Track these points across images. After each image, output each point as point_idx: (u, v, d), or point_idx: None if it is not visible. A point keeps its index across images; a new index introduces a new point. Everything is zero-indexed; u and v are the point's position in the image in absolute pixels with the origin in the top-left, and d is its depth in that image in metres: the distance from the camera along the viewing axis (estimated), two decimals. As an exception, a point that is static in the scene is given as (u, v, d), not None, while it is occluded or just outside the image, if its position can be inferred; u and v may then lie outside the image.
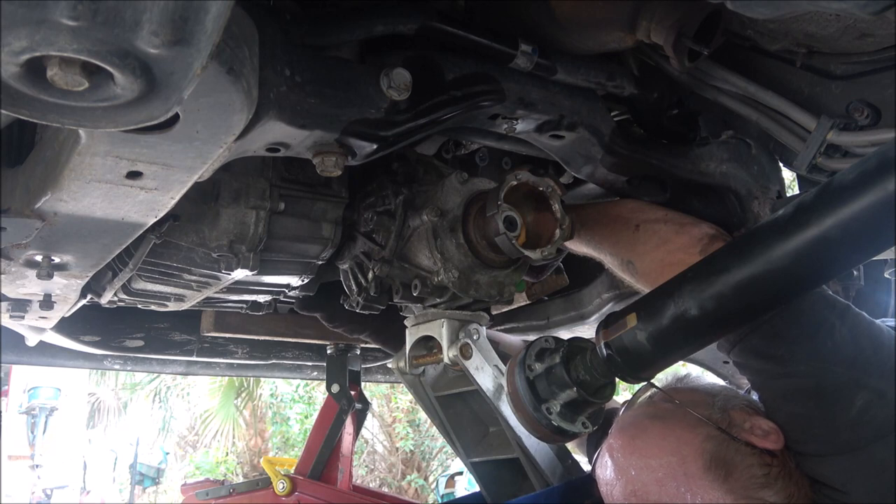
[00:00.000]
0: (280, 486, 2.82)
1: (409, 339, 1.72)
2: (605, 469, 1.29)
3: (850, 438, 1.10)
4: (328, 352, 2.83)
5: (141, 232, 1.27)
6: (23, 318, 1.86)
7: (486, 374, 1.59)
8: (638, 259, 1.46)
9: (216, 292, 1.84)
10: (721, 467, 1.17)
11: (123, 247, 1.36)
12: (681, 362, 1.57)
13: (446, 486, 11.20)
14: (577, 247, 1.63)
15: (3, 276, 1.46)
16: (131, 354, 2.69)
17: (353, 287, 1.72)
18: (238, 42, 0.89)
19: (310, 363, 3.09)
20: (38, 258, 1.36)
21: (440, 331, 1.62)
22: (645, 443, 1.26)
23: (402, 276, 1.59)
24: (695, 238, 1.37)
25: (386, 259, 1.58)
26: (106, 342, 2.51)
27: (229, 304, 2.15)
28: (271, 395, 12.87)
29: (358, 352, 2.86)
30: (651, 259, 1.42)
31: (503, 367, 1.55)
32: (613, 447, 1.29)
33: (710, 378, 1.42)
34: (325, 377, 2.89)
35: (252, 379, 11.53)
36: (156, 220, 1.21)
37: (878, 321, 1.18)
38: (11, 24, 0.59)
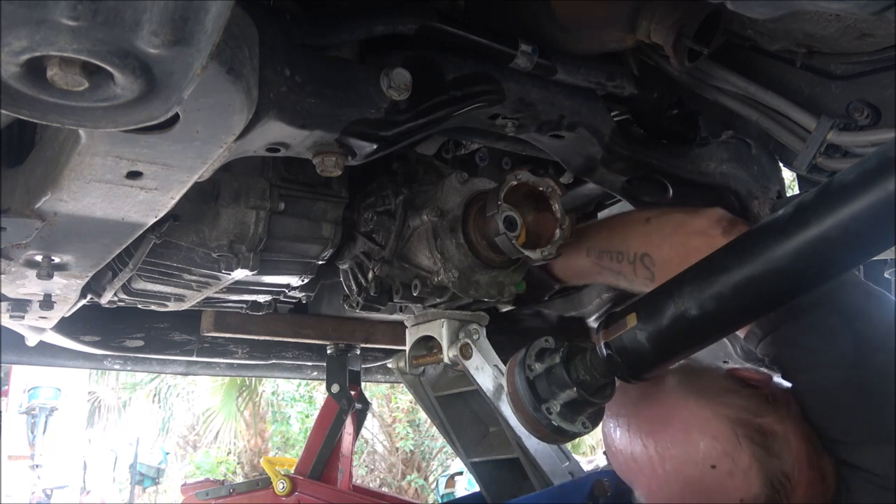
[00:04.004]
0: (280, 486, 2.82)
1: (409, 339, 1.72)
2: (604, 422, 1.28)
3: (892, 429, 1.09)
4: (328, 352, 2.83)
5: (141, 232, 1.27)
6: (23, 318, 1.86)
7: (486, 374, 1.59)
8: (654, 249, 1.40)
9: (216, 292, 1.84)
10: (684, 375, 1.20)
11: (123, 247, 1.36)
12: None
13: (446, 486, 11.20)
14: (582, 263, 1.56)
15: (3, 276, 1.46)
16: (131, 354, 2.69)
17: (353, 287, 1.72)
18: (238, 42, 0.89)
19: (310, 363, 3.09)
20: (38, 258, 1.36)
21: (440, 331, 1.62)
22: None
23: (402, 276, 1.59)
24: (713, 220, 1.34)
25: (386, 259, 1.58)
26: (106, 342, 2.51)
27: (229, 304, 2.15)
28: (273, 394, 12.87)
29: (358, 352, 2.86)
30: (670, 245, 1.37)
31: (503, 367, 1.55)
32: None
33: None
34: (325, 377, 2.89)
35: (254, 378, 11.53)
36: (156, 220, 1.21)
37: None
38: (11, 24, 0.59)
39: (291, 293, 1.99)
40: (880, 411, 1.11)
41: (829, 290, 1.12)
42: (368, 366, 3.10)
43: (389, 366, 3.15)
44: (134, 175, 1.03)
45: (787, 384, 1.23)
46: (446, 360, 1.61)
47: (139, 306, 1.99)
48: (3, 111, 0.70)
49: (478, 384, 1.59)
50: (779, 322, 1.18)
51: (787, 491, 1.11)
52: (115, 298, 1.85)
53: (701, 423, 1.14)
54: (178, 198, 1.13)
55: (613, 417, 1.25)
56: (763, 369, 1.23)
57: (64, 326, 2.19)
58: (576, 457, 1.84)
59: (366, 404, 3.04)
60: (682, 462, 1.14)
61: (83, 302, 1.82)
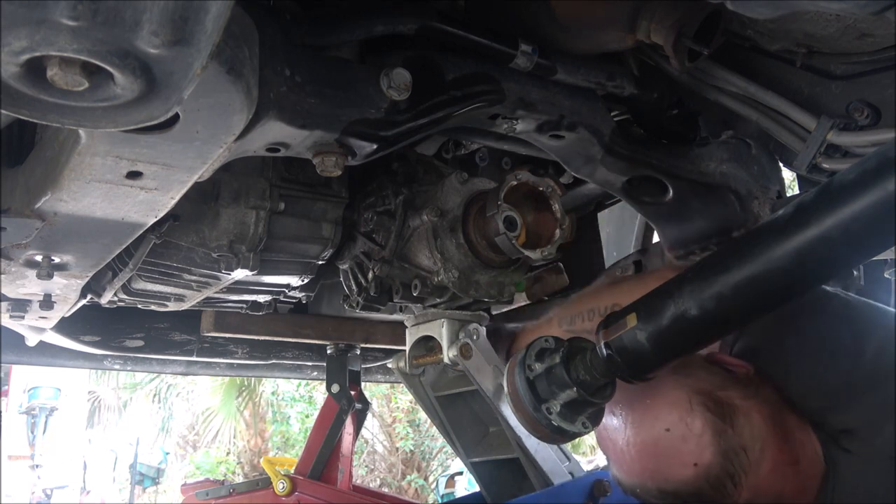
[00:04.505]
0: (280, 486, 2.82)
1: (409, 339, 1.72)
2: None
3: (868, 377, 1.14)
4: (328, 352, 2.83)
5: (141, 232, 1.27)
6: (23, 318, 1.86)
7: (486, 374, 1.59)
8: (624, 298, 1.46)
9: (216, 292, 1.84)
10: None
11: (123, 247, 1.36)
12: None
13: (446, 486, 11.18)
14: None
15: (3, 276, 1.46)
16: (131, 354, 2.69)
17: (353, 287, 1.72)
18: (238, 42, 0.89)
19: (310, 363, 3.09)
20: (38, 258, 1.36)
21: (440, 331, 1.62)
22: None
23: (402, 276, 1.59)
24: (674, 268, 1.45)
25: (386, 259, 1.58)
26: (106, 342, 2.51)
27: (229, 304, 2.15)
28: (273, 394, 12.87)
29: (358, 352, 2.86)
30: (639, 292, 1.45)
31: (503, 367, 1.55)
32: None
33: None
34: (325, 377, 2.89)
35: (254, 378, 11.52)
36: (156, 220, 1.21)
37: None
38: (11, 24, 0.59)
39: (291, 293, 1.99)
40: (852, 366, 1.17)
41: None
42: (368, 366, 3.10)
43: (389, 366, 3.15)
44: (134, 175, 1.03)
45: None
46: (446, 360, 1.61)
47: (139, 306, 1.99)
48: (3, 111, 0.70)
49: (478, 384, 1.59)
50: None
51: (743, 465, 1.14)
52: (115, 298, 1.85)
53: (661, 390, 1.18)
54: (178, 198, 1.13)
55: None
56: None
57: (64, 326, 2.19)
58: (576, 457, 1.84)
59: (366, 404, 3.04)
60: (639, 425, 1.18)
61: (83, 302, 1.82)
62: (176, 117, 0.88)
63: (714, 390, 1.17)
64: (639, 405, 1.19)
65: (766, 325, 1.23)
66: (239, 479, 9.98)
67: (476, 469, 2.00)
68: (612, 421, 1.22)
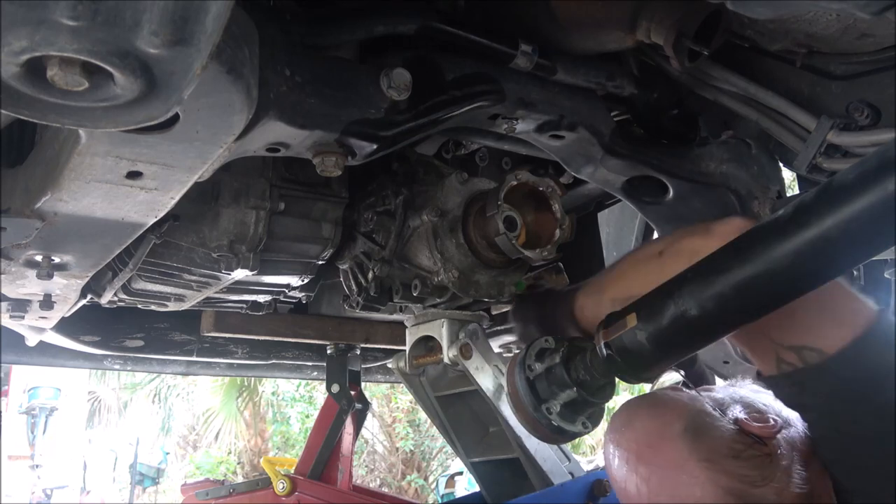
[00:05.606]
0: (280, 486, 2.82)
1: (409, 339, 1.72)
2: (607, 445, 1.27)
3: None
4: (328, 352, 2.83)
5: (141, 232, 1.27)
6: (23, 318, 1.86)
7: (486, 374, 1.59)
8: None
9: (216, 292, 1.84)
10: (693, 430, 1.16)
11: (123, 247, 1.36)
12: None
13: (446, 486, 11.19)
14: None
15: (3, 276, 1.46)
16: (131, 354, 2.69)
17: (353, 287, 1.72)
18: (238, 42, 0.89)
19: (310, 363, 3.09)
20: (38, 258, 1.36)
21: (440, 331, 1.62)
22: (640, 410, 1.24)
23: (402, 276, 1.59)
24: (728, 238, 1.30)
25: (386, 259, 1.58)
26: (106, 342, 2.51)
27: (229, 304, 2.15)
28: (273, 394, 12.88)
29: (358, 352, 2.86)
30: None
31: (503, 367, 1.55)
32: (615, 419, 1.27)
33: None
34: (325, 377, 2.89)
35: (254, 378, 11.53)
36: (156, 220, 1.21)
37: None
38: (11, 24, 0.59)
39: (291, 293, 1.99)
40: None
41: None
42: (368, 366, 3.10)
43: (389, 366, 3.14)
44: (134, 175, 1.03)
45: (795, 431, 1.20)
46: (446, 360, 1.61)
47: (139, 306, 1.99)
48: (3, 111, 0.70)
49: (478, 384, 1.59)
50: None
51: None
52: (115, 298, 1.85)
53: (695, 486, 1.12)
54: (178, 198, 1.13)
55: (617, 447, 1.23)
56: (772, 416, 1.20)
57: (64, 326, 2.19)
58: (576, 457, 1.84)
59: (366, 404, 3.04)
60: None
61: (83, 302, 1.82)
62: (176, 117, 0.88)
63: (749, 488, 1.11)
64: (670, 494, 1.14)
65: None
66: (239, 479, 9.98)
67: (476, 469, 2.00)
68: (637, 492, 1.17)
